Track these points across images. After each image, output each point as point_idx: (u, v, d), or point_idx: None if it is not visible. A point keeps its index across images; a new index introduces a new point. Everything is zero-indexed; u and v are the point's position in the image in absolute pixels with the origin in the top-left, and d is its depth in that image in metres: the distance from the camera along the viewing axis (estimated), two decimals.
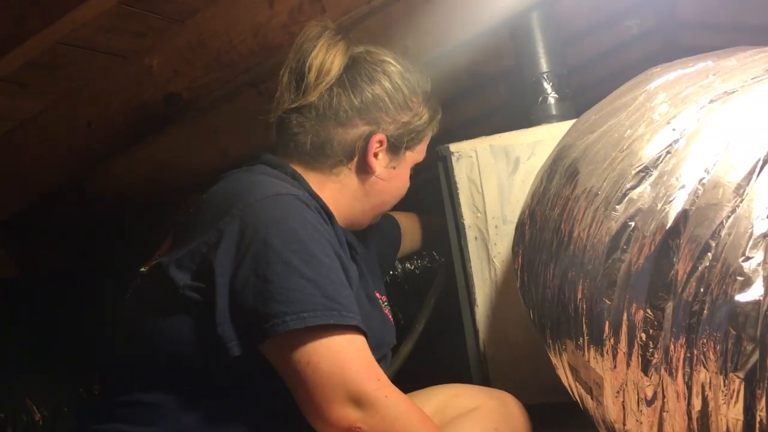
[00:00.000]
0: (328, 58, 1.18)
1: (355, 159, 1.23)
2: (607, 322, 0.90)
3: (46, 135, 1.40)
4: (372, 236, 1.45)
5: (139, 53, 1.35)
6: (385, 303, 1.36)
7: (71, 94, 1.38)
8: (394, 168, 1.27)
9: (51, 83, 1.32)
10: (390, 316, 1.34)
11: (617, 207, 0.93)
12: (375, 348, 1.04)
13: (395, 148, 1.25)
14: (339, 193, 1.23)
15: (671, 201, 0.85)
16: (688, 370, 0.80)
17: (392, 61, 1.24)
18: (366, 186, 1.25)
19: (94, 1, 0.98)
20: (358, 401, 0.94)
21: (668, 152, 0.91)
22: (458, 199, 1.63)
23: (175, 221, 1.17)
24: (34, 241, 1.77)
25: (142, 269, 1.13)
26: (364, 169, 1.23)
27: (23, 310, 1.86)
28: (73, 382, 1.84)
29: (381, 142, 1.22)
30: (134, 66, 1.37)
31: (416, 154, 1.31)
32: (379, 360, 1.07)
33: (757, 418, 0.75)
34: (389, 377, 1.02)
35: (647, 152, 0.94)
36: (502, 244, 1.60)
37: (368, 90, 1.21)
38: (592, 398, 1.00)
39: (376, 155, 1.23)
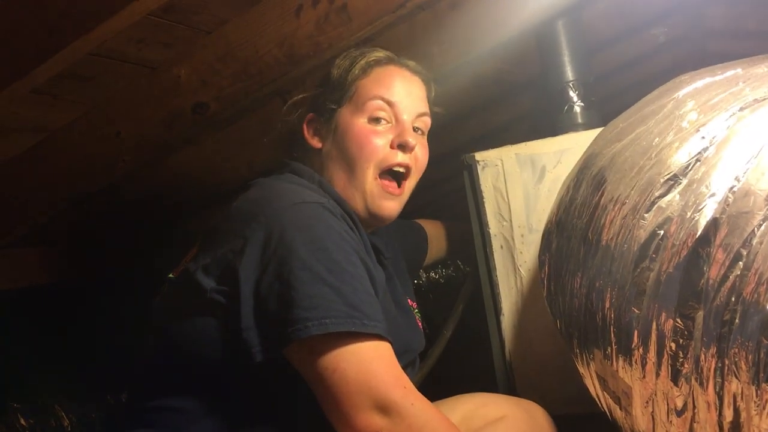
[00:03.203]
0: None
1: (307, 146, 1.29)
2: (635, 332, 0.89)
3: (75, 145, 1.42)
4: (399, 242, 1.45)
5: (168, 63, 1.37)
6: (416, 310, 1.36)
7: (101, 105, 1.40)
8: (336, 132, 1.26)
9: (82, 94, 1.34)
10: (420, 323, 1.34)
11: (646, 215, 0.92)
12: (401, 354, 1.04)
13: (325, 113, 1.28)
14: (331, 177, 1.25)
15: (701, 209, 0.84)
16: (720, 380, 0.79)
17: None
18: (330, 162, 1.26)
19: (124, 13, 0.99)
20: (384, 408, 0.94)
21: (698, 160, 0.90)
22: (484, 207, 1.62)
23: (202, 228, 1.17)
24: (63, 249, 1.79)
25: (170, 275, 1.15)
26: (316, 152, 1.28)
27: (53, 316, 1.88)
28: (102, 389, 1.86)
29: (310, 121, 1.29)
30: (163, 76, 1.38)
31: (362, 98, 1.26)
32: (405, 366, 1.07)
33: None
34: (415, 385, 1.02)
35: (676, 160, 0.93)
36: (528, 253, 1.60)
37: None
38: (620, 408, 0.99)
39: (313, 133, 1.29)
